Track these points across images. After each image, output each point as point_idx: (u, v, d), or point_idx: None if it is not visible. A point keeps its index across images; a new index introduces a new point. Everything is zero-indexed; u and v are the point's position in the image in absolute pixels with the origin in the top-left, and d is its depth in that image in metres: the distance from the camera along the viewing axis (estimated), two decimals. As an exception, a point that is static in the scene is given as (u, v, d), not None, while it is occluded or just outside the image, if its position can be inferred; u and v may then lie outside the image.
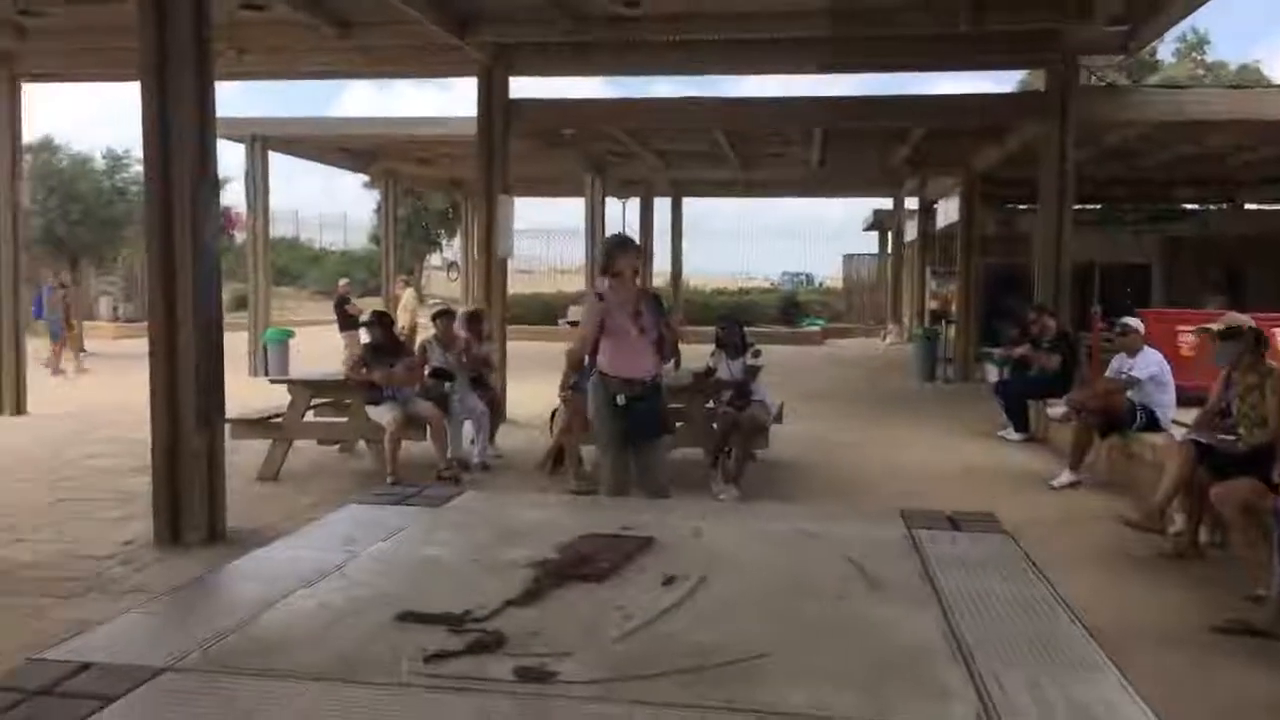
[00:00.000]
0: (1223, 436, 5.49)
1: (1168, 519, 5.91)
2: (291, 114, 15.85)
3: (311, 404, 8.00)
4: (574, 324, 10.14)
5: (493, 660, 1.99)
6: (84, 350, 16.99)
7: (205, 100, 5.45)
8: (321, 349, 15.34)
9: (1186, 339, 9.95)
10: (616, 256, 5.00)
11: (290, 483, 7.52)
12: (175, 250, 5.42)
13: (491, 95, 10.41)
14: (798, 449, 8.79)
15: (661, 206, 24.07)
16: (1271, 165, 14.52)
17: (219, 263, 5.83)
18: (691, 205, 24.86)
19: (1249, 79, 25.79)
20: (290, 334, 15.82)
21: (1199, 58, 27.66)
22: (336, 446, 8.69)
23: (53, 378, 15.17)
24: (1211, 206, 19.75)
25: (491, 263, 10.79)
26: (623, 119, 11.88)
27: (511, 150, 10.76)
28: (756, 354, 7.33)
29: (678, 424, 6.91)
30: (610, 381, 4.93)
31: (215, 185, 5.64)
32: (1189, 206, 20.01)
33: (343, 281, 16.47)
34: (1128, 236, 18.42)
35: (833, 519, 3.25)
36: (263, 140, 15.53)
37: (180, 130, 5.39)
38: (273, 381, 9.15)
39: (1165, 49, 25.61)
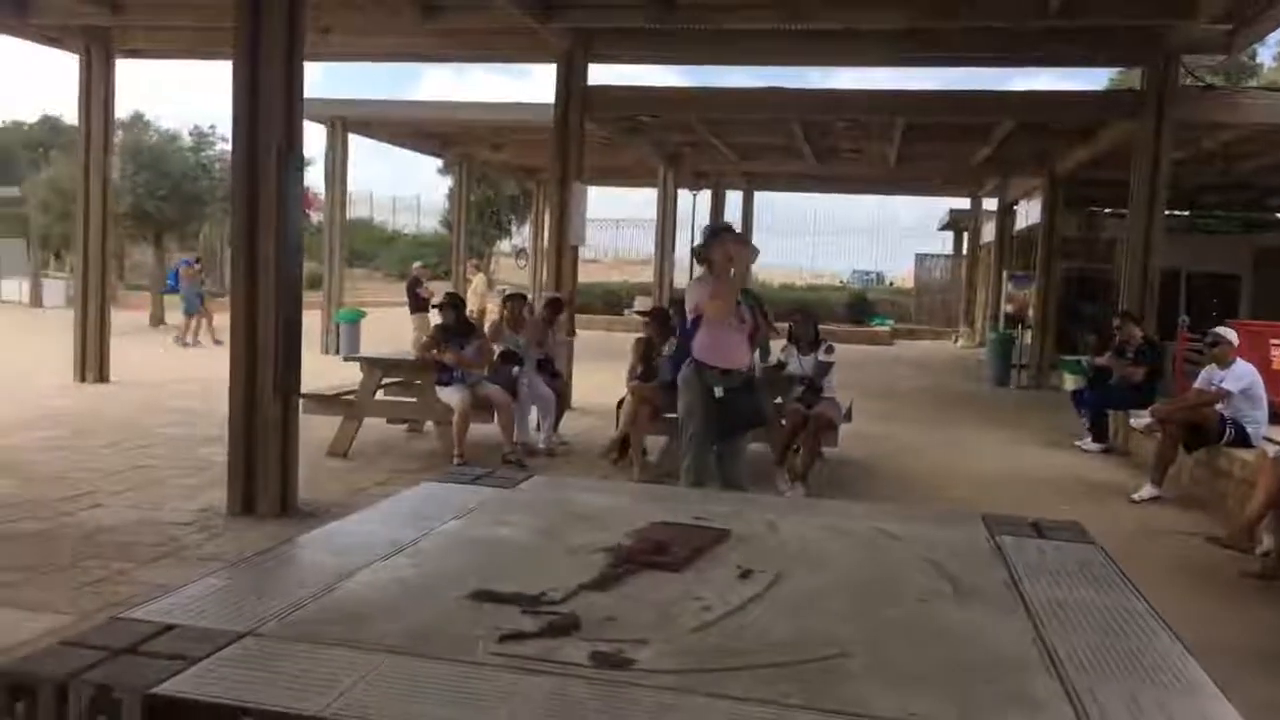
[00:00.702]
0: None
1: (1257, 538, 5.68)
2: (371, 97, 16.08)
3: (382, 383, 8.10)
4: (641, 313, 10.08)
5: (568, 643, 1.96)
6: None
7: (293, 77, 5.54)
8: (392, 330, 15.57)
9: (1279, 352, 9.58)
10: (711, 244, 4.94)
11: (359, 460, 7.63)
12: (259, 224, 5.51)
13: (570, 80, 10.42)
14: (866, 449, 8.65)
15: (733, 200, 23.95)
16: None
17: (301, 238, 5.92)
18: (763, 199, 24.68)
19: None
20: (362, 314, 16.09)
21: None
22: (405, 426, 8.81)
23: (186, 350, 15.69)
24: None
25: (563, 250, 10.81)
26: (702, 108, 11.79)
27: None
28: (829, 350, 7.21)
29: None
30: (708, 372, 4.88)
31: (300, 161, 5.72)
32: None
33: (417, 264, 16.67)
34: (1217, 244, 17.76)
35: (911, 520, 3.16)
36: (343, 122, 15.78)
37: (269, 106, 5.48)
38: (346, 359, 9.29)
39: (1266, 52, 24.59)
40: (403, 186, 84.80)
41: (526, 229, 34.53)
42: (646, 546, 2.57)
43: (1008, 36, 9.79)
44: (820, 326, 7.79)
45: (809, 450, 6.92)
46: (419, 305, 15.36)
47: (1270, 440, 6.82)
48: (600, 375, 10.03)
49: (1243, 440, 7.02)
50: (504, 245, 38.29)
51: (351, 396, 7.82)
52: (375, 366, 7.86)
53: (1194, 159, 12.93)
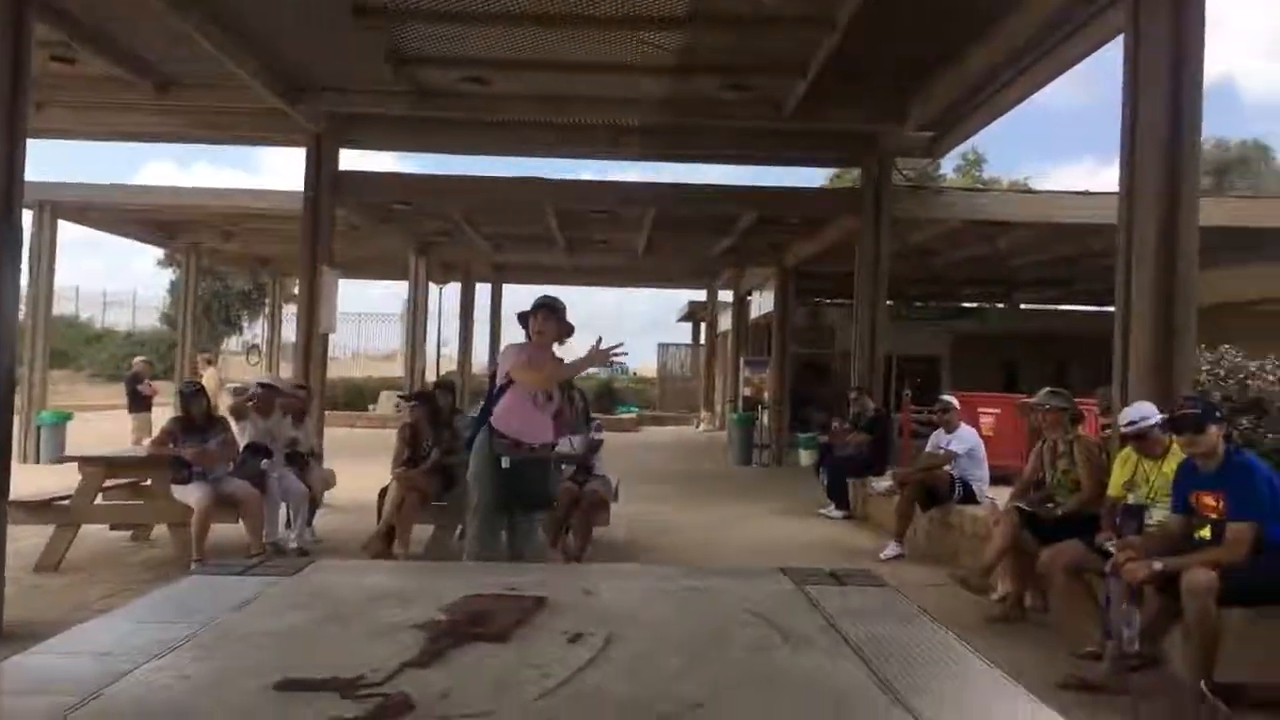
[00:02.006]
0: (1045, 504, 5.83)
1: (991, 584, 6.18)
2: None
3: (104, 486, 7.21)
4: (406, 397, 9.68)
5: (402, 725, 1.75)
6: None
7: (14, 144, 4.91)
8: (102, 432, 14.04)
9: (987, 420, 10.69)
10: (535, 316, 4.82)
11: (74, 574, 6.68)
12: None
13: (320, 165, 10.04)
14: (632, 529, 8.69)
15: (482, 292, 23.92)
16: (1046, 267, 16.05)
17: (16, 325, 5.20)
18: (511, 292, 24.81)
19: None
20: (68, 417, 14.40)
21: (976, 175, 30.58)
22: (128, 534, 7.85)
23: None
24: (991, 305, 21.62)
25: (312, 339, 10.24)
26: (459, 195, 11.74)
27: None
28: (599, 429, 7.23)
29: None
30: (499, 441, 4.70)
31: (19, 237, 5.05)
32: (970, 305, 21.81)
33: (138, 359, 15.19)
34: (921, 330, 19.80)
35: (719, 576, 3.16)
36: (52, 206, 14.30)
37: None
38: (58, 461, 8.22)
39: (947, 164, 28.10)
40: (114, 280, 77.72)
41: (260, 325, 32.66)
42: (465, 619, 2.37)
43: (748, 136, 10.55)
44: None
45: (583, 529, 6.84)
46: (140, 404, 13.95)
47: (993, 499, 7.52)
48: (348, 470, 9.46)
49: (970, 498, 7.71)
50: (233, 343, 35.86)
51: (66, 501, 6.88)
52: (98, 466, 6.98)
53: (898, 254, 14.42)
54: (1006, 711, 2.01)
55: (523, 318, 4.93)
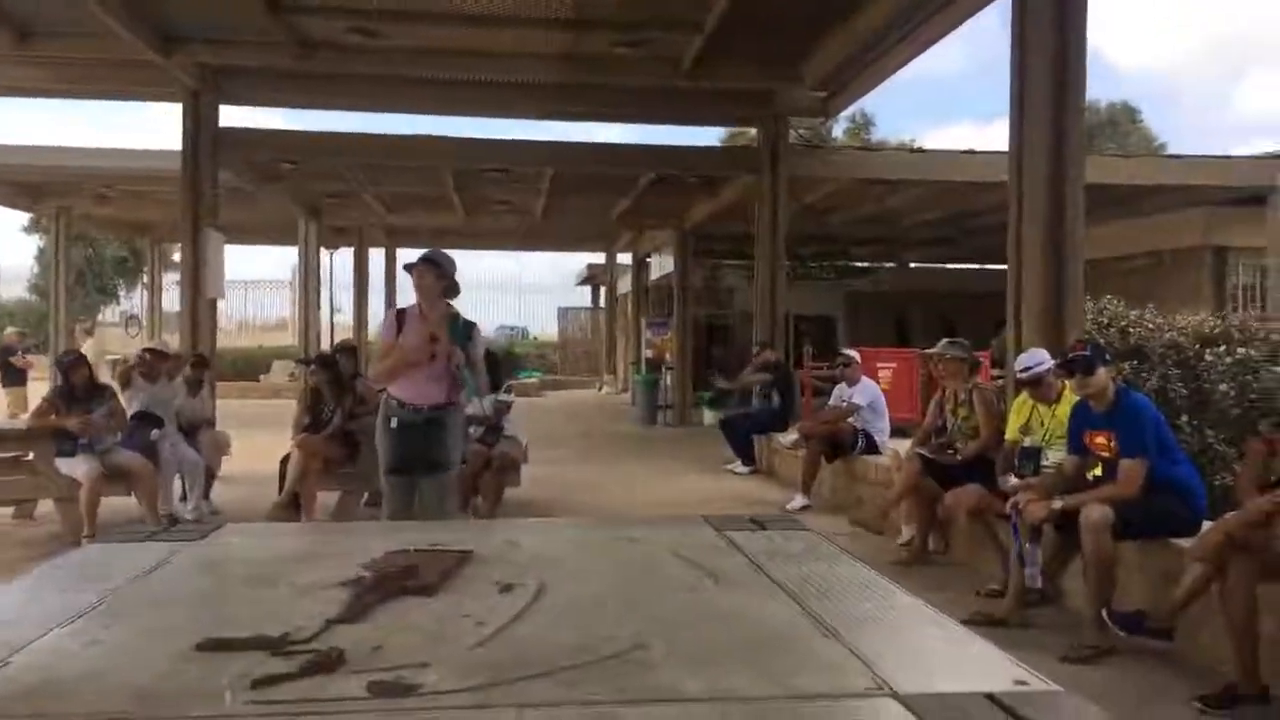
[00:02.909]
0: (946, 451, 6.03)
1: (893, 527, 6.39)
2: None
3: (-21, 461, 6.79)
4: (306, 361, 9.37)
5: (335, 680, 1.69)
6: None
7: None
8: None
9: (884, 374, 11.00)
10: (415, 269, 4.70)
11: (-48, 555, 6.30)
12: None
13: (199, 122, 9.56)
14: (543, 490, 8.65)
15: (376, 258, 23.28)
16: (933, 227, 16.53)
17: None
18: (406, 258, 24.17)
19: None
20: (-72, 393, 13.53)
21: (865, 137, 31.17)
22: (12, 511, 7.44)
23: None
24: (884, 265, 22.17)
25: (199, 306, 9.80)
26: (352, 154, 11.35)
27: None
28: (508, 390, 7.15)
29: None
30: (389, 404, 4.63)
31: None
32: (864, 264, 22.33)
33: (9, 330, 14.33)
34: (817, 289, 20.19)
35: (642, 526, 3.16)
36: (-99, 167, 13.29)
37: None
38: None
39: (837, 128, 28.56)
40: (-27, 249, 72.66)
41: (138, 294, 31.15)
42: (392, 573, 2.31)
43: (644, 94, 10.50)
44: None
45: (493, 490, 6.78)
46: (14, 377, 13.18)
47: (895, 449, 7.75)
48: (245, 443, 9.12)
49: (872, 448, 7.93)
50: (109, 314, 34.13)
51: (-60, 479, 6.47)
52: (-29, 441, 6.57)
53: (794, 215, 14.64)
54: (936, 637, 2.07)
55: (407, 269, 4.84)
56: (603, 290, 28.86)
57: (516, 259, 41.40)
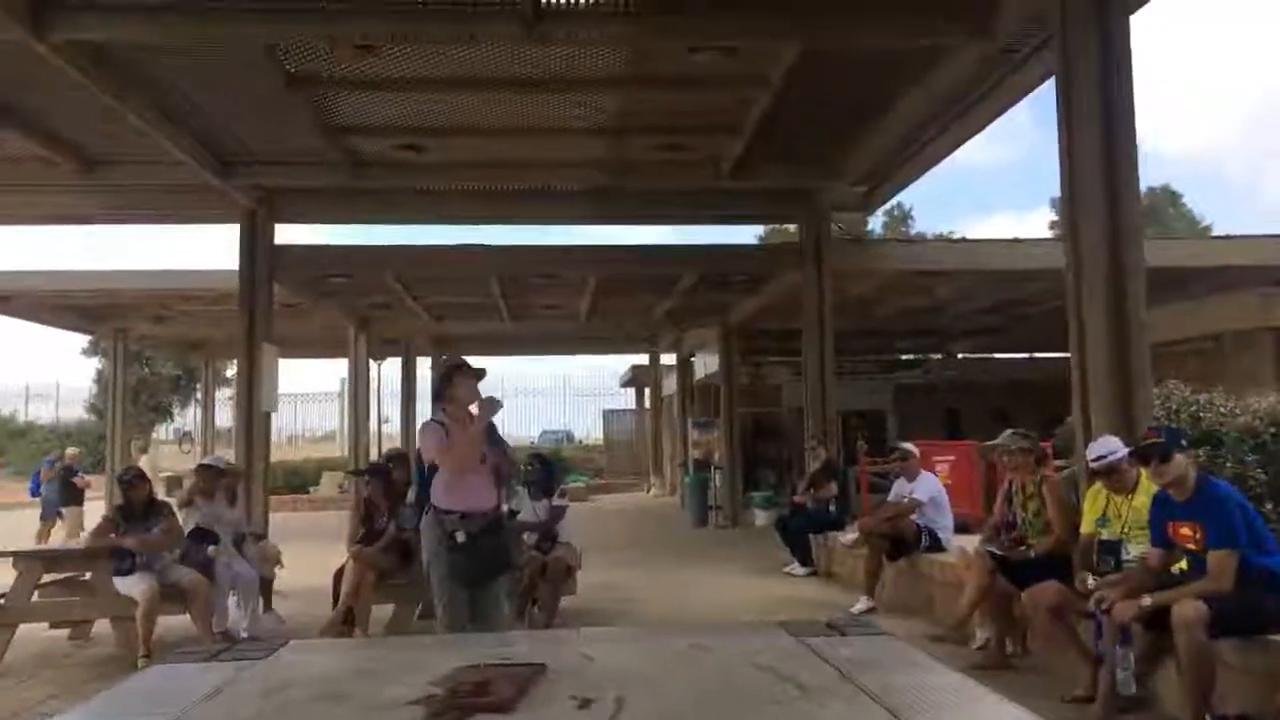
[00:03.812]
0: (1018, 547, 5.80)
1: (970, 631, 6.11)
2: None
3: (40, 582, 6.80)
4: (358, 471, 9.37)
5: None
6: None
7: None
8: (29, 531, 13.30)
9: (942, 467, 10.74)
10: (455, 379, 4.68)
11: (13, 677, 6.26)
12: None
13: (255, 240, 9.86)
14: (598, 596, 8.47)
15: (423, 366, 23.56)
16: (980, 317, 16.41)
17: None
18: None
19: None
20: (-8, 514, 13.73)
21: (903, 229, 31.43)
22: (66, 633, 7.40)
23: None
24: (932, 356, 21.95)
25: (253, 419, 9.93)
26: (399, 266, 11.61)
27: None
28: (563, 494, 7.07)
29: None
30: (447, 518, 4.51)
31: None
32: (911, 357, 22.12)
33: (70, 450, 14.59)
34: (865, 385, 20.00)
35: (714, 633, 3.03)
36: (-31, 295, 13.80)
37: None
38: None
39: (875, 221, 28.86)
40: (35, 373, 74.78)
41: (191, 411, 31.76)
42: (465, 690, 2.22)
43: (686, 196, 10.66)
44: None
45: (550, 598, 6.64)
46: (72, 497, 13.36)
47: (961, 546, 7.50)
48: (295, 557, 9.08)
49: (936, 546, 7.68)
50: (163, 432, 34.76)
51: (1, 600, 6.47)
52: (33, 561, 6.59)
53: (838, 307, 14.62)
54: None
55: (438, 388, 4.81)
56: (647, 391, 28.87)
57: (558, 364, 41.76)
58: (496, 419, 4.89)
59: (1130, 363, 5.36)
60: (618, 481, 27.83)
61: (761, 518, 15.25)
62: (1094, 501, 5.10)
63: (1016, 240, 11.97)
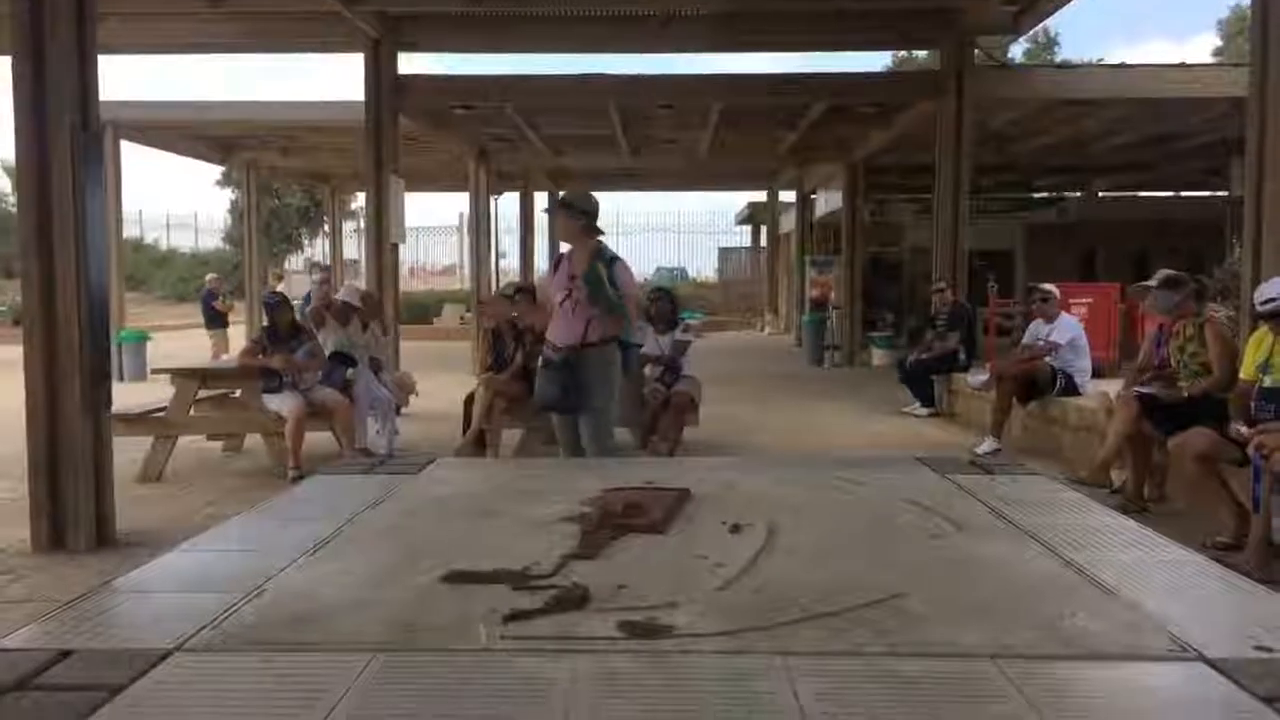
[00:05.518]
0: (1170, 387, 5.53)
1: (1106, 476, 5.96)
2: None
3: (196, 398, 7.26)
4: (507, 295, 9.56)
5: (585, 618, 1.63)
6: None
7: (86, 44, 4.77)
8: (180, 350, 14.22)
9: (1079, 311, 10.29)
10: (555, 217, 4.75)
11: (176, 484, 6.77)
12: (54, 221, 4.70)
13: (380, 70, 9.79)
14: (716, 430, 8.56)
15: (540, 202, 23.57)
16: (1129, 151, 15.25)
17: (103, 237, 5.13)
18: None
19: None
20: (147, 336, 14.64)
21: (1048, 57, 29.18)
22: (221, 445, 7.95)
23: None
24: (1069, 195, 20.73)
25: (383, 250, 10.13)
26: (521, 96, 11.40)
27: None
28: (686, 329, 7.05)
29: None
30: (546, 345, 4.72)
31: (99, 142, 4.95)
32: (1046, 195, 20.93)
33: (211, 276, 15.33)
34: (994, 224, 19.10)
35: (854, 466, 2.99)
36: (113, 126, 14.25)
37: (57, 78, 4.69)
38: (155, 372, 8.30)
39: (1017, 49, 26.82)
40: (175, 202, 77.97)
41: (319, 241, 32.79)
42: (619, 511, 2.26)
43: (811, 19, 10.02)
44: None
45: (673, 430, 6.73)
46: (216, 320, 14.12)
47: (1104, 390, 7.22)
48: (422, 383, 9.46)
49: (1072, 389, 7.41)
50: (294, 261, 36.17)
51: (163, 413, 6.95)
52: (191, 378, 7.02)
53: (978, 140, 13.78)
54: (1224, 592, 1.84)
55: (548, 214, 4.93)
56: (763, 229, 28.34)
57: (671, 199, 41.21)
58: (627, 257, 4.88)
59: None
60: (731, 319, 27.82)
61: (879, 358, 15.07)
62: (1257, 346, 4.77)
63: (1184, 65, 10.90)
